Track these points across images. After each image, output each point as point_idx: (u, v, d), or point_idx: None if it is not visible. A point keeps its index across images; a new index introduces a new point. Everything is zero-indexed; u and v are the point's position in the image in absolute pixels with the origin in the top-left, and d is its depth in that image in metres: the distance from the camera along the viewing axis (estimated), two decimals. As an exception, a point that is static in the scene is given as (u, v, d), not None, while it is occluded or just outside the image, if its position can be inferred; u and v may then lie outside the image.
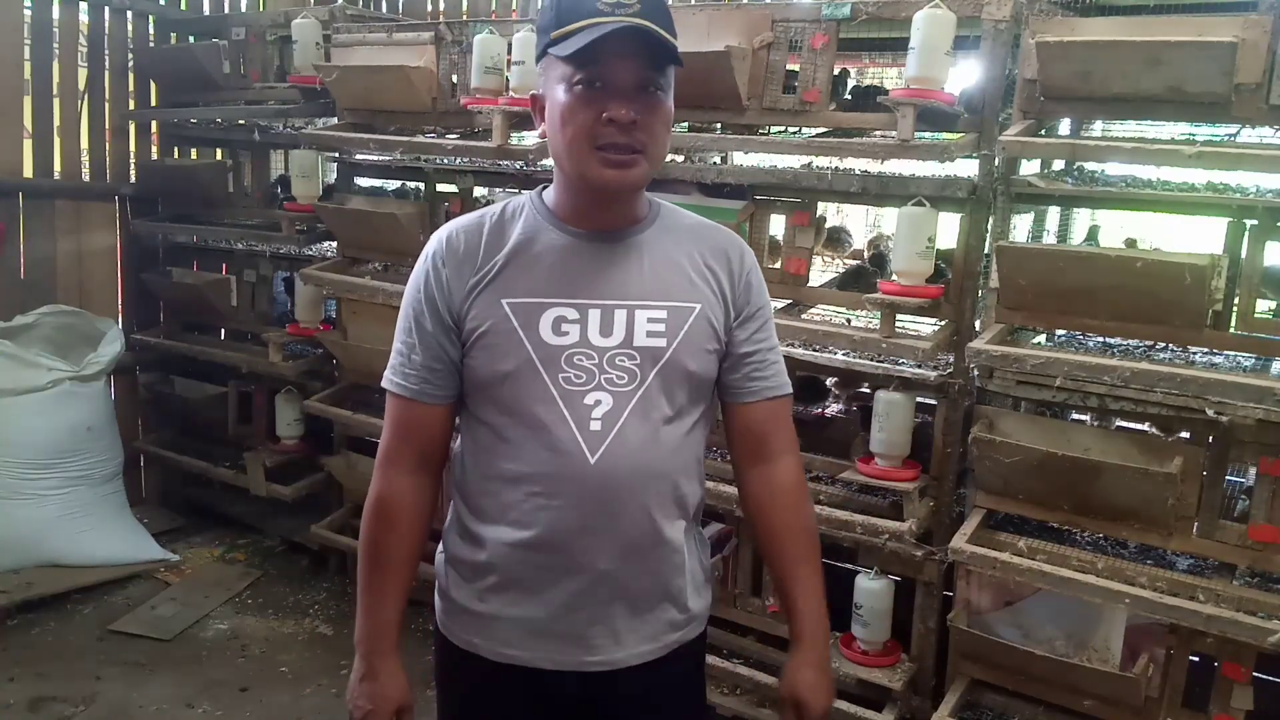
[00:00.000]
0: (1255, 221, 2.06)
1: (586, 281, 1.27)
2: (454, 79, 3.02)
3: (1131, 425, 2.37)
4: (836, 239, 3.27)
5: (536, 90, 1.30)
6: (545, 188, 1.35)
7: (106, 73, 4.00)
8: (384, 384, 1.34)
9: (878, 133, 2.43)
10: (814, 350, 2.49)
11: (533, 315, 1.25)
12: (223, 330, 4.13)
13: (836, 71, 2.48)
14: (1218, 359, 2.21)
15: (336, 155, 3.55)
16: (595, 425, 1.25)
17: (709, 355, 1.32)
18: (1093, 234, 2.67)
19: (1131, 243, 2.58)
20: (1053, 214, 2.72)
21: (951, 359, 2.35)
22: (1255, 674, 2.04)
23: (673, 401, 1.29)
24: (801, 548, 1.41)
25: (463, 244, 1.29)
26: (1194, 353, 2.24)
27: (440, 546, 1.44)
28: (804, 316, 2.60)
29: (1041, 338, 2.42)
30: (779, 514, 1.41)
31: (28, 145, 3.79)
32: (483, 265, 1.28)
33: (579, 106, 1.20)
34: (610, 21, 1.17)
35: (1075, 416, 2.41)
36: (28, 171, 3.78)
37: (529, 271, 1.27)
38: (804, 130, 2.56)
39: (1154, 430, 2.33)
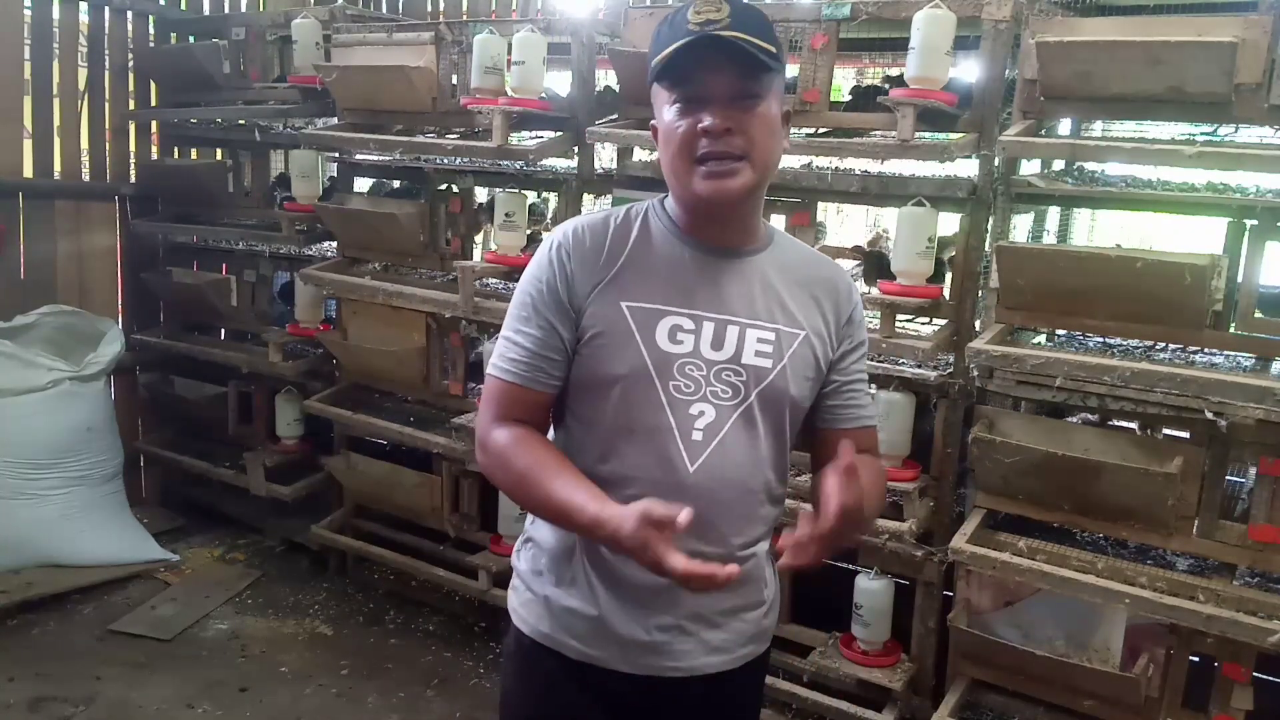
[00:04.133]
0: (1255, 221, 2.06)
1: (703, 294, 1.29)
2: (454, 79, 3.02)
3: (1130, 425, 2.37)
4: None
5: (653, 120, 1.32)
6: (666, 197, 1.35)
7: (106, 73, 4.00)
8: (492, 371, 1.32)
9: (878, 133, 2.43)
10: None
11: (650, 321, 1.27)
12: (223, 330, 4.13)
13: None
14: (1218, 359, 2.21)
15: (336, 155, 3.55)
16: (697, 435, 1.26)
17: (808, 383, 1.34)
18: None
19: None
20: (1053, 214, 2.72)
21: (951, 359, 2.35)
22: (1255, 674, 2.04)
23: (770, 421, 1.31)
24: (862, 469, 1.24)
25: (589, 240, 1.30)
26: (1194, 352, 2.25)
27: (523, 540, 1.44)
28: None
29: (1041, 338, 2.42)
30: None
31: (28, 145, 3.79)
32: (606, 265, 1.29)
33: (678, 122, 1.22)
34: (692, 38, 1.19)
35: (1077, 418, 2.41)
36: (28, 171, 3.77)
37: (648, 277, 1.29)
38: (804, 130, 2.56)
39: (1151, 430, 2.33)
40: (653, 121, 1.32)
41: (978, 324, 2.31)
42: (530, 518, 1.42)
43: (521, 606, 1.40)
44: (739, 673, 1.39)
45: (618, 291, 1.28)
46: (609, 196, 2.86)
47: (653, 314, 1.27)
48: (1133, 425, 2.29)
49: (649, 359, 1.26)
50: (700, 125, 1.20)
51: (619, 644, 1.32)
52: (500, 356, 1.32)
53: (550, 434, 1.39)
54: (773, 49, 1.22)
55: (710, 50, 1.19)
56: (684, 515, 1.10)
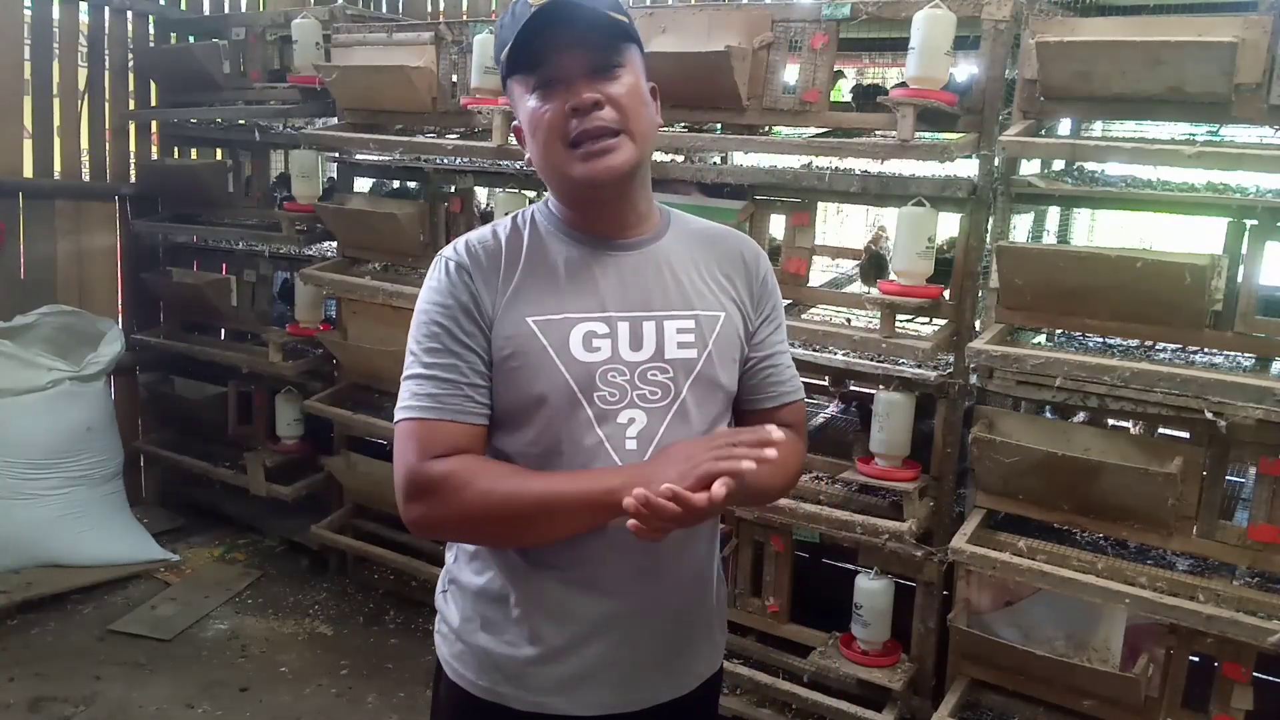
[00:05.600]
0: (1255, 221, 2.06)
1: (611, 293, 1.20)
2: (454, 79, 3.02)
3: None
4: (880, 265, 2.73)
5: (516, 121, 1.24)
6: (549, 198, 1.28)
7: (106, 73, 4.00)
8: (406, 414, 1.17)
9: (878, 133, 2.43)
10: (814, 350, 2.49)
11: (561, 332, 1.17)
12: (223, 330, 4.13)
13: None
14: (1218, 359, 2.21)
15: (336, 155, 3.56)
16: (631, 445, 1.17)
17: (734, 365, 1.27)
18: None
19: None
20: (1053, 214, 2.72)
21: (951, 359, 2.35)
22: (1255, 674, 2.04)
23: (705, 415, 1.23)
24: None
25: (483, 255, 1.21)
26: (1194, 352, 2.25)
27: (446, 581, 1.34)
28: (804, 316, 2.60)
29: (1041, 338, 2.42)
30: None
31: (28, 145, 3.79)
32: (505, 279, 1.19)
33: (542, 110, 1.15)
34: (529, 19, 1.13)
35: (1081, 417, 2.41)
36: (28, 171, 3.78)
37: (549, 285, 1.19)
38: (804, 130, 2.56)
39: (1151, 429, 2.33)
40: (515, 124, 1.24)
41: (978, 324, 2.31)
42: (452, 556, 1.32)
43: (455, 659, 1.28)
44: (699, 694, 1.33)
45: (520, 306, 1.18)
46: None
47: (562, 324, 1.17)
48: (1133, 425, 2.29)
49: (568, 374, 1.16)
50: (567, 105, 1.13)
51: (572, 685, 1.22)
52: (413, 396, 1.17)
53: None
54: (624, 17, 1.16)
55: (557, 24, 1.12)
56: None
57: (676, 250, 1.27)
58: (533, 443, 1.19)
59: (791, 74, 2.47)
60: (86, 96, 3.97)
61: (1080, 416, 2.39)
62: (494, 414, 1.20)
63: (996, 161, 2.21)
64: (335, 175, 3.74)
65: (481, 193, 3.42)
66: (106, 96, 4.01)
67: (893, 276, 2.33)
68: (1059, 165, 2.40)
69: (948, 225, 2.37)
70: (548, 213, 1.26)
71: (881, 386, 2.35)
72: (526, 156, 1.24)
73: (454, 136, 3.15)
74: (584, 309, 1.19)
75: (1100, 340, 2.34)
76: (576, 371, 1.17)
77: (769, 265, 1.36)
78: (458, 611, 1.29)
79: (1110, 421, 2.38)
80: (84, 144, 4.00)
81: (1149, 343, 2.28)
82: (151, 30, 4.10)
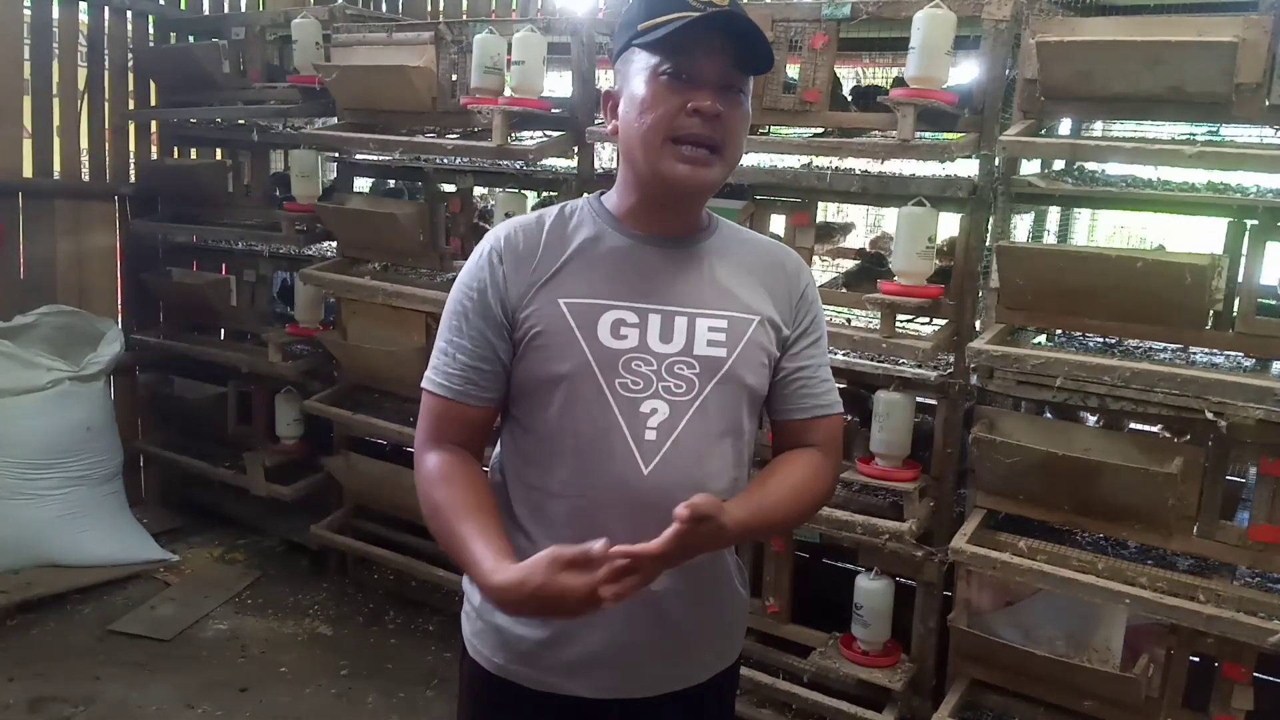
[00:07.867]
0: (1255, 221, 2.06)
1: (647, 286, 1.24)
2: (454, 79, 3.02)
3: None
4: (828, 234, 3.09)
5: (612, 87, 1.27)
6: (603, 192, 1.32)
7: (106, 73, 4.00)
8: (425, 384, 1.28)
9: (877, 133, 2.43)
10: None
11: (591, 317, 1.21)
12: (222, 330, 4.13)
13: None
14: (1218, 359, 2.21)
15: (336, 155, 3.55)
16: (650, 435, 1.20)
17: (764, 369, 1.29)
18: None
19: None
20: (1053, 214, 2.72)
21: (951, 359, 2.35)
22: (1255, 674, 2.04)
23: (728, 415, 1.25)
24: (775, 480, 1.27)
25: (522, 241, 1.25)
26: (1194, 352, 2.25)
27: None
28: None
29: (1041, 338, 2.42)
30: (781, 463, 1.31)
31: (28, 145, 3.79)
32: (542, 264, 1.23)
33: (663, 95, 1.17)
34: (701, 14, 1.15)
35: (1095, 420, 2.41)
36: (28, 171, 3.77)
37: (589, 273, 1.23)
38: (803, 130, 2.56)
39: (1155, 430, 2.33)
40: (609, 89, 1.27)
41: (978, 324, 2.31)
42: None
43: (475, 637, 1.33)
44: (709, 686, 1.34)
45: (556, 289, 1.22)
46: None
47: (593, 309, 1.21)
48: (1134, 425, 2.29)
49: (591, 356, 1.19)
50: (691, 104, 1.16)
51: (581, 668, 1.25)
52: (434, 369, 1.28)
53: (496, 445, 1.35)
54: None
55: (717, 31, 1.15)
56: (600, 544, 1.04)
57: (720, 253, 1.30)
58: (552, 420, 1.23)
59: (791, 74, 2.47)
60: (86, 96, 3.97)
61: (1084, 417, 2.39)
62: (517, 388, 1.26)
63: (997, 161, 2.21)
64: (335, 175, 3.74)
65: (481, 192, 3.42)
66: (106, 96, 4.01)
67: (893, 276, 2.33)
68: (1059, 165, 2.40)
69: (948, 225, 2.37)
70: (599, 206, 1.29)
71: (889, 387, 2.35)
72: (610, 125, 1.26)
73: (454, 136, 3.15)
74: (618, 297, 1.23)
75: (1100, 340, 2.34)
76: (600, 355, 1.20)
77: (811, 278, 1.37)
78: (477, 590, 1.32)
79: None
80: (84, 144, 3.99)
81: (1149, 343, 2.28)
82: (151, 30, 4.10)
